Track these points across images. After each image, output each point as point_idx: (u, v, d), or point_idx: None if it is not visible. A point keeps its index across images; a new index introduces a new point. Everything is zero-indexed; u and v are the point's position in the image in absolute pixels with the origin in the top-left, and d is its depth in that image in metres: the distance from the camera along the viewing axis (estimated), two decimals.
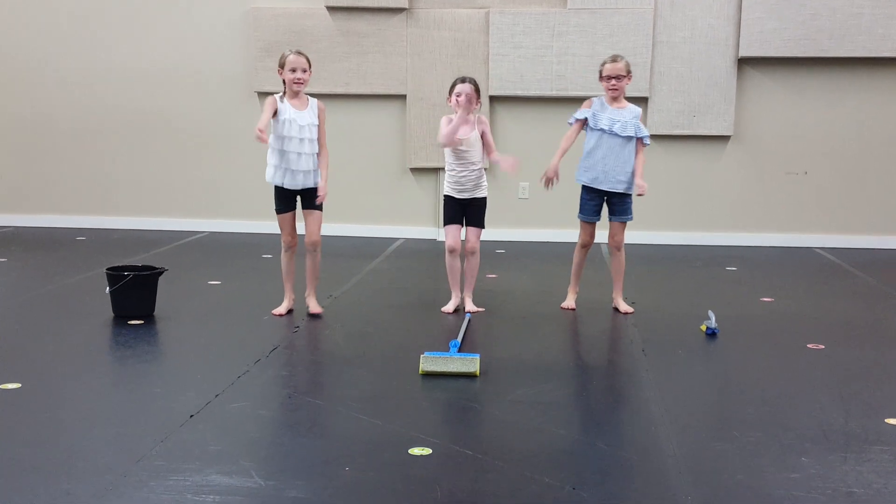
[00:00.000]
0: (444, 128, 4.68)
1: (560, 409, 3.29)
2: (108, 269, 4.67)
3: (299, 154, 4.60)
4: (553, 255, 6.67)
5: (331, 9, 7.19)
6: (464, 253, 4.85)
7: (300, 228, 4.69)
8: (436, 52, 7.18)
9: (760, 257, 6.75)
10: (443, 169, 4.99)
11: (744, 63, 7.07)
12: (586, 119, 4.76)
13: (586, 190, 4.81)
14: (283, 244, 4.73)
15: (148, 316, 4.61)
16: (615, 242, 4.84)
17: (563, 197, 7.34)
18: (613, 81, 4.69)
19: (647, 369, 3.82)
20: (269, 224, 5.85)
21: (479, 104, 4.75)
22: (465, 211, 4.80)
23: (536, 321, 4.67)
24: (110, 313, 4.61)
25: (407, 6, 7.12)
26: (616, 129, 4.67)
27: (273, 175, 4.63)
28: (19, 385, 3.47)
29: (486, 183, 4.82)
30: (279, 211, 4.68)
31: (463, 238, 4.84)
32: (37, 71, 7.62)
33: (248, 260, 6.32)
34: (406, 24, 7.18)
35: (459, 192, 4.76)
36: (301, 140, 4.59)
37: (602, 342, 4.41)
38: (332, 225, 7.39)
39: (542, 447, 2.92)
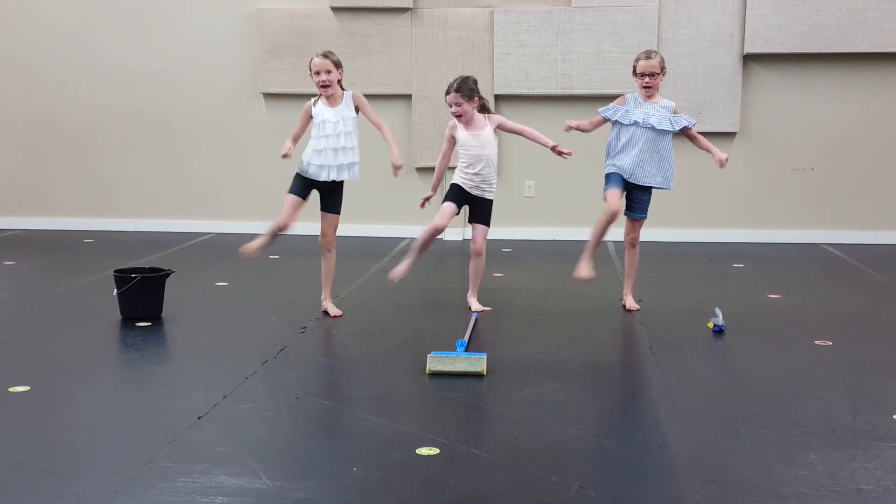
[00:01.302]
0: (446, 141, 4.72)
1: (567, 408, 3.29)
2: (115, 272, 4.68)
3: (336, 150, 4.61)
4: (559, 254, 6.67)
5: (335, 9, 7.20)
6: (469, 253, 4.85)
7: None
8: (440, 51, 7.18)
9: (767, 254, 6.73)
10: (450, 168, 4.98)
11: (749, 59, 7.05)
12: (610, 119, 4.73)
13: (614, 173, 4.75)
14: (277, 221, 4.56)
15: (155, 318, 4.62)
16: (631, 239, 4.83)
17: (569, 195, 7.36)
18: (647, 79, 4.62)
19: (655, 367, 3.82)
20: None
21: (476, 102, 4.68)
22: (470, 205, 4.80)
23: (543, 320, 4.67)
24: (118, 315, 4.63)
25: (411, 6, 7.12)
26: (652, 121, 4.62)
27: (303, 165, 4.63)
28: (28, 388, 3.49)
29: (495, 184, 4.82)
30: (290, 191, 4.64)
31: (468, 238, 4.84)
32: (44, 73, 7.64)
33: (254, 261, 6.32)
34: (411, 23, 7.18)
35: (470, 186, 4.76)
36: (337, 135, 4.60)
37: (609, 340, 4.41)
38: (339, 225, 7.40)
39: (550, 446, 2.92)
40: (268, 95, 7.42)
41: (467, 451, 2.86)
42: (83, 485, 2.61)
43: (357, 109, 4.67)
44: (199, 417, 3.16)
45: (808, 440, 2.96)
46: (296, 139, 4.67)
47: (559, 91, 7.11)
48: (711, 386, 3.66)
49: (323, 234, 4.69)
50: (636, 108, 4.67)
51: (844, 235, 7.21)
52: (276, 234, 4.62)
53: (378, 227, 7.49)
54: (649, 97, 4.70)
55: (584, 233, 7.13)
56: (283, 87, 7.32)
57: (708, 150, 4.76)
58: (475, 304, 4.85)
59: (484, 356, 3.72)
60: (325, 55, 4.60)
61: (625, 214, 4.78)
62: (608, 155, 4.78)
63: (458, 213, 4.81)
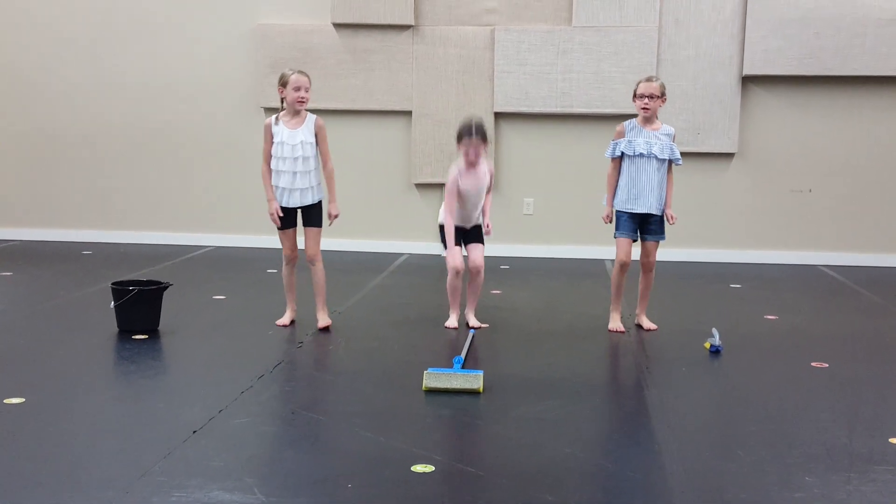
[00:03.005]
0: (450, 196, 4.70)
1: (564, 427, 3.29)
2: (113, 284, 4.68)
3: (294, 173, 4.66)
4: (558, 272, 6.68)
5: (337, 25, 7.23)
6: (467, 271, 4.85)
7: (301, 242, 4.74)
8: (441, 68, 7.21)
9: (764, 275, 6.74)
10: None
11: (748, 81, 7.09)
12: (616, 157, 4.75)
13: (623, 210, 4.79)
14: (283, 258, 4.83)
15: (152, 331, 4.62)
16: (648, 262, 4.79)
17: (568, 213, 7.37)
18: (647, 100, 4.63)
19: (651, 387, 3.82)
20: (274, 239, 5.85)
21: (486, 149, 4.72)
22: (465, 234, 4.84)
23: (541, 338, 4.67)
24: (115, 328, 4.62)
25: (413, 23, 7.16)
26: (655, 151, 4.64)
27: (276, 192, 4.71)
28: (23, 399, 3.48)
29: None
30: (279, 227, 4.73)
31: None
32: (44, 86, 7.67)
33: (252, 274, 6.33)
34: (412, 41, 7.22)
35: (463, 221, 4.80)
36: (294, 159, 4.64)
37: (606, 359, 4.41)
38: (337, 240, 7.40)
39: (546, 465, 2.92)
40: (269, 110, 7.43)
41: (463, 469, 2.86)
42: (77, 498, 2.60)
43: (317, 136, 4.71)
44: (195, 431, 3.15)
45: (805, 462, 2.96)
46: (269, 161, 4.71)
47: (558, 110, 7.14)
48: (708, 406, 3.66)
49: (306, 247, 4.73)
50: (638, 138, 4.69)
51: (842, 257, 7.22)
52: (292, 278, 4.83)
53: (377, 243, 7.50)
54: (648, 121, 4.71)
55: (583, 251, 7.22)
56: None
57: (665, 195, 4.75)
58: (473, 321, 4.85)
59: (480, 374, 3.72)
60: (303, 72, 4.64)
61: (641, 237, 4.79)
62: (617, 188, 4.78)
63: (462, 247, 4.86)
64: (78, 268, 6.53)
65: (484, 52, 7.17)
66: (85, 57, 7.59)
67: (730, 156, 7.19)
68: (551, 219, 7.39)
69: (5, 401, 3.46)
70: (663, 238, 4.81)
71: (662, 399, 3.64)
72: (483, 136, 4.63)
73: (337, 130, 7.44)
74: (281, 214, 4.66)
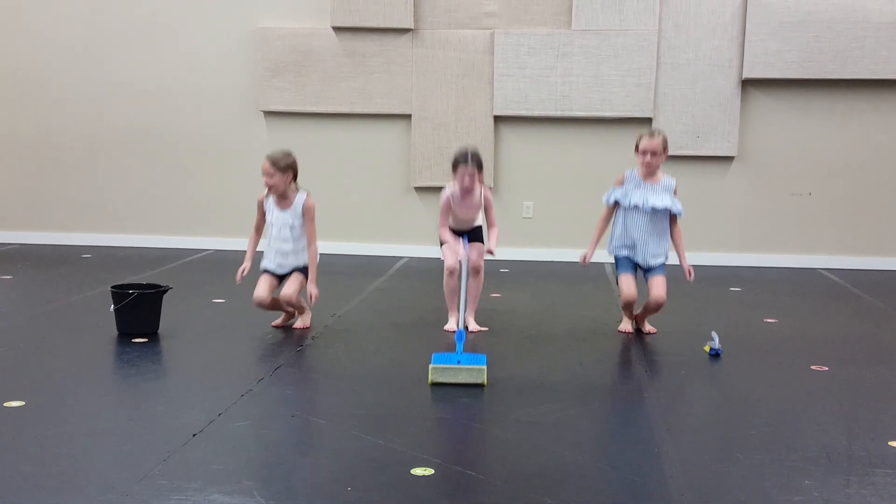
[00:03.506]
0: (442, 214, 4.74)
1: (563, 430, 3.29)
2: (112, 287, 4.68)
3: (281, 252, 4.75)
4: (557, 275, 6.68)
5: (337, 29, 7.24)
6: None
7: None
8: (441, 72, 7.22)
9: (764, 278, 6.74)
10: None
11: (748, 84, 7.09)
12: (611, 204, 4.75)
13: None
14: (253, 298, 4.74)
15: (152, 334, 4.62)
16: (658, 301, 4.63)
17: (567, 217, 7.38)
18: (649, 157, 4.59)
19: (651, 390, 3.82)
20: None
21: (481, 177, 4.73)
22: (462, 235, 4.85)
23: (540, 341, 4.67)
24: (114, 331, 4.62)
25: (412, 27, 7.17)
26: (651, 204, 4.63)
27: (263, 259, 4.82)
28: (23, 403, 3.48)
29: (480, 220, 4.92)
30: (262, 271, 4.78)
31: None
32: (44, 89, 7.67)
33: (252, 278, 6.30)
34: (411, 44, 7.23)
35: (459, 230, 4.86)
36: (282, 240, 4.72)
37: (606, 362, 4.41)
38: (337, 243, 7.42)
39: (545, 468, 2.92)
40: (268, 113, 7.45)
41: (462, 472, 2.86)
42: (77, 501, 2.60)
43: (304, 216, 4.70)
44: (195, 434, 3.16)
45: (804, 465, 2.96)
46: (258, 230, 4.81)
47: (558, 113, 7.15)
48: (707, 410, 3.66)
49: (283, 288, 4.71)
50: (636, 190, 4.67)
51: (841, 260, 7.22)
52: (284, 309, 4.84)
53: (376, 246, 7.51)
54: (649, 175, 4.68)
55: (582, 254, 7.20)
56: (283, 106, 7.35)
57: (676, 250, 4.74)
58: (472, 325, 4.85)
59: (484, 367, 3.77)
60: (272, 160, 4.58)
61: (645, 277, 4.75)
62: (611, 236, 4.78)
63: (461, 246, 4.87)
64: (77, 271, 6.53)
65: (483, 56, 7.18)
66: (84, 60, 7.59)
67: (729, 159, 7.20)
68: (551, 222, 7.39)
69: (5, 404, 3.46)
70: (663, 274, 4.72)
71: (662, 402, 3.65)
72: (478, 164, 4.67)
73: (336, 134, 7.49)
74: (245, 275, 4.63)
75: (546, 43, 7.09)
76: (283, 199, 4.70)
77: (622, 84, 7.03)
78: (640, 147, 4.64)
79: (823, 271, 7.07)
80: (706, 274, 6.84)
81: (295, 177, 4.69)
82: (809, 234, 7.25)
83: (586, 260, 4.79)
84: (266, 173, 4.60)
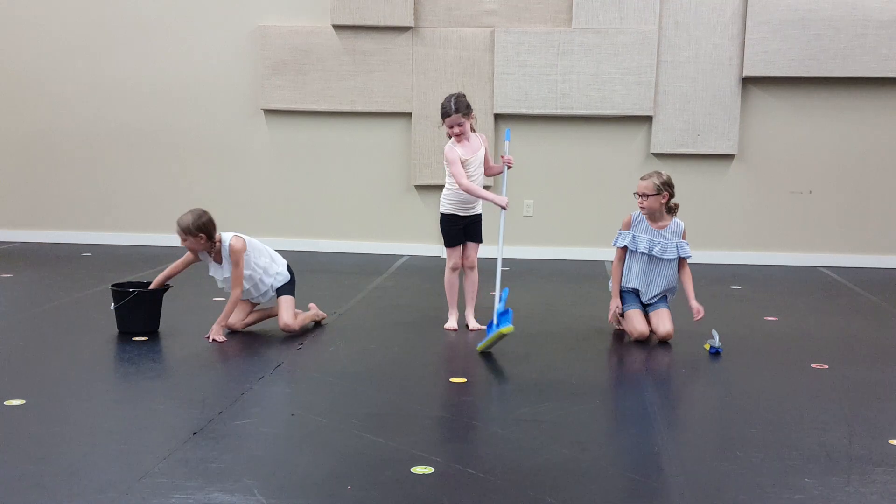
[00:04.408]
0: (455, 163, 4.64)
1: (563, 428, 3.29)
2: (112, 286, 4.69)
3: (246, 298, 4.77)
4: (557, 273, 6.68)
5: (337, 27, 7.24)
6: (462, 269, 4.86)
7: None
8: (441, 70, 7.22)
9: (764, 276, 6.74)
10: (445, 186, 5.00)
11: (748, 82, 7.09)
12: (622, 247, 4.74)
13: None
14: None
15: (152, 332, 4.62)
16: (666, 338, 4.59)
17: (567, 215, 7.38)
18: (640, 199, 4.59)
19: (651, 388, 3.82)
20: (275, 241, 5.87)
21: (473, 117, 4.74)
22: (465, 230, 4.82)
23: (539, 339, 4.67)
24: (115, 330, 4.63)
25: (413, 25, 7.16)
26: (656, 251, 4.62)
27: None
28: (24, 401, 3.48)
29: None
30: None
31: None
32: (44, 88, 7.67)
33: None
34: (412, 42, 7.22)
35: (462, 209, 4.78)
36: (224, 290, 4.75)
37: (605, 361, 4.41)
38: (337, 241, 7.43)
39: (545, 466, 2.92)
40: (269, 112, 7.45)
41: (462, 471, 2.86)
42: (77, 500, 2.60)
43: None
44: (195, 433, 3.16)
45: (804, 464, 2.96)
46: (171, 272, 4.77)
47: (558, 111, 7.14)
48: (707, 408, 3.66)
49: (279, 317, 4.67)
50: (643, 234, 4.66)
51: (842, 259, 7.22)
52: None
53: (376, 245, 7.51)
54: (653, 218, 4.65)
55: (583, 252, 7.23)
56: (284, 104, 7.35)
57: (685, 288, 4.69)
58: (472, 323, 4.85)
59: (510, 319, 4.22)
60: (180, 227, 4.49)
61: (648, 310, 4.73)
62: (623, 275, 4.76)
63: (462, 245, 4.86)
64: (78, 270, 6.53)
65: (484, 54, 7.18)
66: (84, 59, 7.59)
67: (730, 157, 7.20)
68: (551, 220, 7.39)
69: (6, 402, 3.46)
70: (666, 307, 4.70)
71: (662, 401, 3.65)
72: (463, 110, 4.64)
73: (337, 132, 7.49)
74: (221, 340, 4.54)
75: (546, 41, 7.08)
76: (217, 255, 4.65)
77: (622, 82, 7.03)
78: (637, 188, 4.63)
79: (824, 269, 7.06)
80: (706, 272, 6.84)
81: (210, 234, 4.53)
82: (810, 232, 7.25)
83: (615, 313, 4.73)
84: (180, 237, 4.55)
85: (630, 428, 3.38)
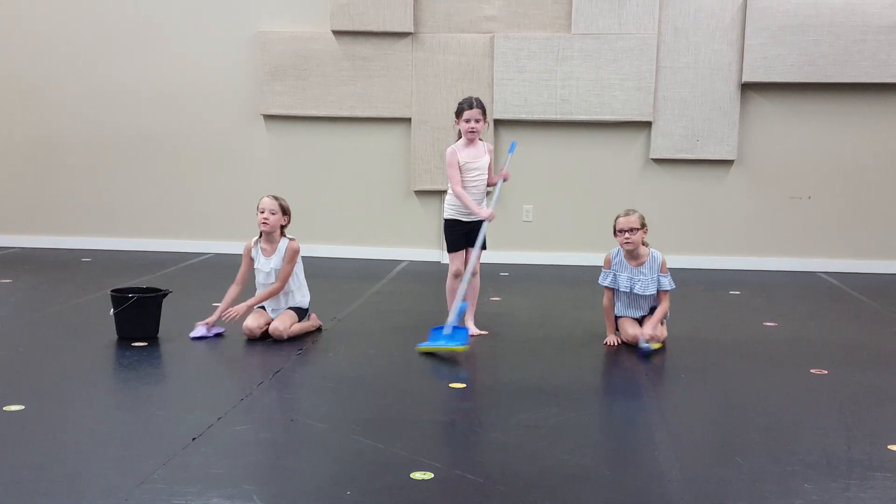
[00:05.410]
0: (452, 166, 4.70)
1: (563, 434, 3.29)
2: (112, 291, 4.68)
3: (272, 297, 4.78)
4: (557, 278, 6.68)
5: (337, 33, 7.25)
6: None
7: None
8: (441, 76, 7.23)
9: (764, 281, 6.74)
10: (446, 191, 5.00)
11: (747, 88, 7.10)
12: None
13: None
14: (244, 326, 4.68)
15: (152, 338, 4.62)
16: (651, 336, 4.55)
17: (567, 220, 7.38)
18: (626, 235, 4.55)
19: (650, 394, 3.82)
20: None
21: (486, 124, 4.78)
22: (467, 236, 4.82)
23: (539, 345, 4.67)
24: (114, 335, 4.62)
25: (412, 30, 7.18)
26: (636, 289, 4.62)
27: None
28: (23, 407, 3.48)
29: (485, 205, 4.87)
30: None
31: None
32: (44, 92, 7.68)
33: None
34: (411, 48, 7.23)
35: (465, 214, 4.78)
36: (265, 286, 4.76)
37: (605, 366, 4.40)
38: (337, 247, 7.43)
39: (545, 472, 2.92)
40: (268, 117, 7.46)
41: (461, 476, 2.86)
42: None
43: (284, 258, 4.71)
44: (194, 439, 3.15)
45: (803, 469, 2.96)
46: (241, 282, 4.82)
47: (558, 116, 7.15)
48: (707, 414, 3.66)
49: (274, 325, 4.68)
50: (622, 273, 4.67)
51: (841, 264, 7.22)
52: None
53: (376, 250, 7.51)
54: (632, 256, 4.63)
55: (582, 258, 7.23)
56: (284, 109, 7.36)
57: (655, 312, 4.63)
58: (473, 328, 4.84)
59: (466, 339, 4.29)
60: (275, 196, 4.65)
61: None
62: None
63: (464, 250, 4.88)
64: (77, 275, 6.53)
65: (483, 59, 7.19)
66: (84, 64, 7.60)
67: (729, 163, 7.21)
68: (550, 226, 7.39)
69: (5, 408, 3.46)
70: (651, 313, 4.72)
71: (661, 406, 3.65)
72: (482, 109, 4.71)
73: (336, 138, 7.49)
74: (211, 322, 4.63)
75: (546, 47, 7.10)
76: (271, 241, 4.73)
77: (622, 88, 7.04)
78: (617, 226, 4.59)
79: (823, 275, 7.07)
80: (705, 277, 6.85)
81: (285, 224, 4.74)
82: (809, 238, 7.25)
83: (612, 343, 4.70)
84: (269, 209, 4.64)
85: (630, 434, 3.38)
